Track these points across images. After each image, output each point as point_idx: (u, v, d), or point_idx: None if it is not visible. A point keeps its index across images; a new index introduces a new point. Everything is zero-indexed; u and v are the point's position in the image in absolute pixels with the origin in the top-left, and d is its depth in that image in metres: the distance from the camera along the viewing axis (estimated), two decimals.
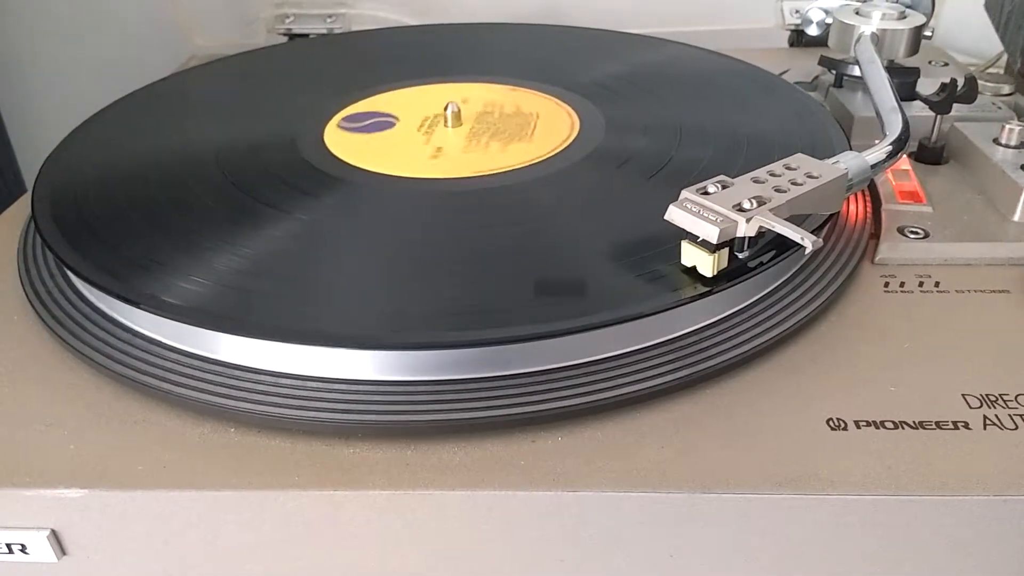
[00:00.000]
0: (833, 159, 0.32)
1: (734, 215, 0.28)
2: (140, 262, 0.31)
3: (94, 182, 0.37)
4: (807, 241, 0.26)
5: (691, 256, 0.28)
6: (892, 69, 0.43)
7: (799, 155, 0.32)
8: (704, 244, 0.28)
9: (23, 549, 0.25)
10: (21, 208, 0.40)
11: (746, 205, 0.28)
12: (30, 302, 0.32)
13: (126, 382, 0.28)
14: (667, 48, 0.50)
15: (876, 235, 0.34)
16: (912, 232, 0.34)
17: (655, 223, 0.29)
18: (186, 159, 0.39)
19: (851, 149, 0.34)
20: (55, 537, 0.25)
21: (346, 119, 0.41)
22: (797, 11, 0.55)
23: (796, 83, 0.47)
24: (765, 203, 0.28)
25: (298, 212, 0.34)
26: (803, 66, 0.51)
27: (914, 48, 0.44)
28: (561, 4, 0.61)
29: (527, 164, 0.37)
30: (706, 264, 0.28)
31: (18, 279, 0.33)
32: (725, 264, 0.28)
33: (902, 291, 0.32)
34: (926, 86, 0.43)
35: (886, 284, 0.32)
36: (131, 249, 0.32)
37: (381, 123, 0.40)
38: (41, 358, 0.30)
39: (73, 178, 0.37)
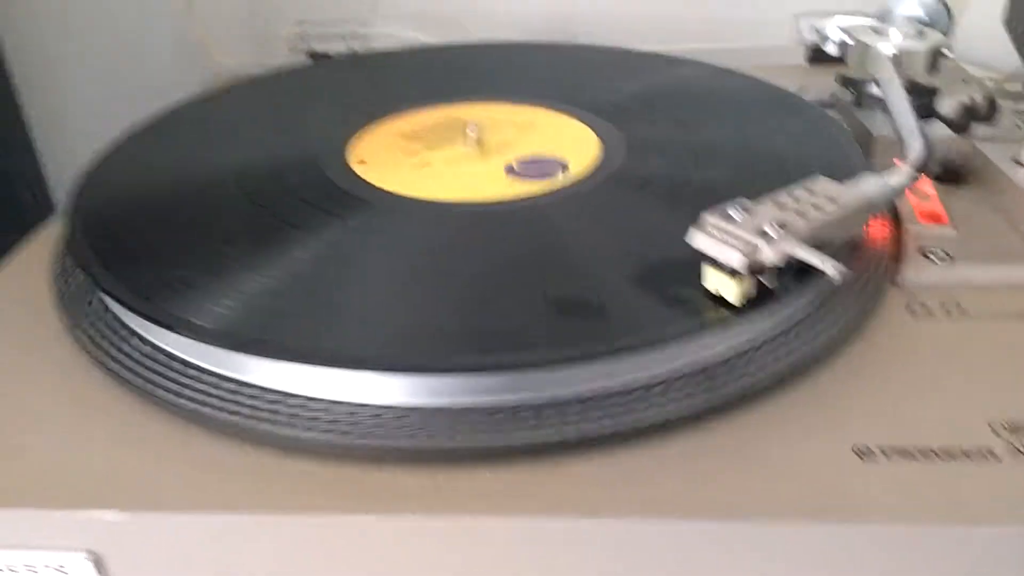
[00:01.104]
0: (854, 182, 0.32)
1: (757, 241, 0.28)
2: (173, 284, 0.31)
3: (127, 202, 0.38)
4: (833, 270, 0.26)
5: (715, 281, 0.29)
6: (911, 87, 0.43)
7: (820, 178, 0.32)
8: (727, 270, 0.28)
9: (61, 570, 0.26)
10: (53, 226, 0.41)
11: (769, 231, 0.28)
12: (65, 321, 0.32)
13: (163, 404, 0.28)
14: (685, 67, 0.50)
15: (898, 257, 0.35)
16: (935, 254, 0.34)
17: (679, 247, 0.29)
18: (214, 179, 0.39)
19: (871, 170, 0.34)
20: (93, 558, 0.26)
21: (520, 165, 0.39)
22: (815, 28, 0.55)
23: (815, 101, 0.47)
24: (788, 229, 0.28)
25: (327, 233, 0.34)
26: (821, 83, 0.51)
27: (933, 66, 0.44)
28: (575, 17, 0.62)
29: (551, 187, 0.37)
30: (730, 290, 0.28)
31: (52, 298, 0.34)
32: (749, 290, 0.28)
33: (926, 315, 0.32)
34: (945, 104, 0.43)
35: (910, 308, 0.32)
36: (164, 270, 0.32)
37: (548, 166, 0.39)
38: (77, 378, 0.30)
39: (105, 198, 0.38)
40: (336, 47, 0.59)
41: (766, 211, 0.30)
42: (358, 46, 0.59)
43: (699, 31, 0.60)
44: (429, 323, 0.29)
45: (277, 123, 0.46)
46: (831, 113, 0.46)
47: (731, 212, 0.29)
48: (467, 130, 0.42)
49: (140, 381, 0.29)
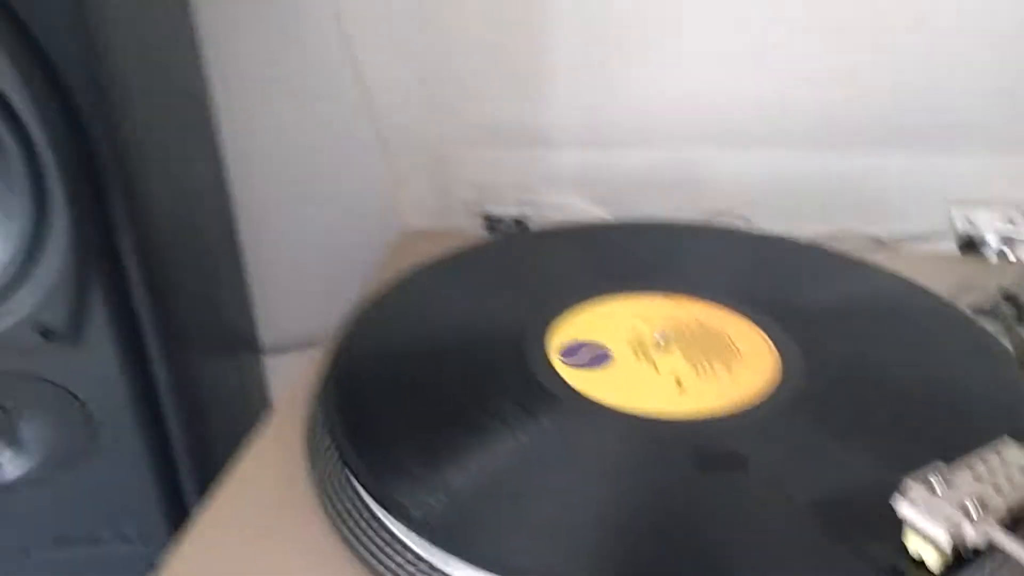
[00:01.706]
0: None
1: (962, 520, 0.31)
2: (399, 467, 0.36)
3: (370, 373, 0.43)
4: None
5: (916, 545, 0.32)
6: None
7: (1009, 444, 0.35)
8: (932, 542, 0.31)
9: None
10: (298, 387, 0.46)
11: (970, 508, 0.32)
12: (318, 498, 0.38)
13: None
14: (867, 273, 0.52)
15: None
16: None
17: (866, 492, 0.33)
18: (435, 358, 0.45)
19: None
20: None
21: (565, 353, 0.45)
22: (968, 220, 0.58)
23: (977, 308, 0.50)
24: (988, 509, 0.32)
25: (524, 434, 0.38)
26: (976, 277, 0.53)
27: None
28: (732, 198, 0.65)
29: (736, 409, 0.40)
30: (932, 558, 0.32)
31: (305, 470, 0.39)
32: (950, 560, 0.32)
33: None
34: None
35: None
36: (392, 452, 0.37)
37: (598, 357, 0.45)
38: (326, 556, 0.35)
39: (351, 370, 0.43)
40: (509, 211, 0.65)
41: (965, 483, 0.33)
42: (529, 211, 0.65)
43: (849, 207, 0.63)
44: (607, 548, 0.33)
45: (489, 300, 0.50)
46: (991, 325, 0.48)
47: (932, 480, 0.33)
48: (655, 336, 0.46)
49: (374, 562, 0.34)
